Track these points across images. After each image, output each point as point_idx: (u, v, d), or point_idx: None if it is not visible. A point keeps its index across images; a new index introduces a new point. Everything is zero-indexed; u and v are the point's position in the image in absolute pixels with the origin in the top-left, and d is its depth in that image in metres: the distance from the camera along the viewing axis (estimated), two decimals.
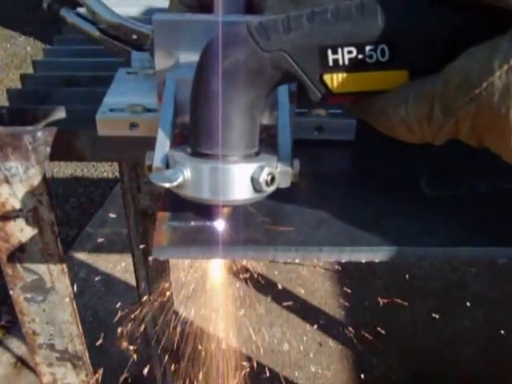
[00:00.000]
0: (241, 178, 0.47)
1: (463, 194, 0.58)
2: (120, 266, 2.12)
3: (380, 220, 0.53)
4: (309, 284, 1.95)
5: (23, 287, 0.81)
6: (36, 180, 0.73)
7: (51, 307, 0.83)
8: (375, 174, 0.61)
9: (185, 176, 0.47)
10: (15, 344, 1.89)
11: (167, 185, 0.46)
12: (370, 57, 0.44)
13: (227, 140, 0.46)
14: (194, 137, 0.48)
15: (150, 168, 0.49)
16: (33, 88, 0.80)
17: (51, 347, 0.88)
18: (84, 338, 0.90)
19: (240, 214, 0.52)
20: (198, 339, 1.37)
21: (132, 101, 0.65)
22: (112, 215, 2.30)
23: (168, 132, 0.51)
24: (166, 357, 1.49)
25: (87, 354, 0.91)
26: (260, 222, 0.52)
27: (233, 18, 0.56)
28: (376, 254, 0.50)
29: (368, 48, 0.44)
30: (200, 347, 1.34)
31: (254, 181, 0.47)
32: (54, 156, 0.70)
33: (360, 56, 0.44)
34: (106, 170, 2.69)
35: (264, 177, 0.47)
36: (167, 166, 0.49)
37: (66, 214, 2.44)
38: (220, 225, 0.51)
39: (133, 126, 0.63)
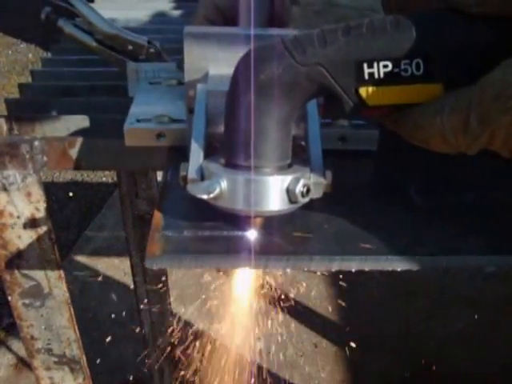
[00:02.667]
0: (277, 190, 0.48)
1: (452, 202, 0.59)
2: (119, 269, 2.13)
3: (370, 229, 0.54)
4: (304, 286, 1.96)
5: (21, 293, 0.82)
6: (33, 188, 0.74)
7: (49, 312, 0.84)
8: (366, 183, 0.62)
9: (221, 187, 0.48)
10: (16, 346, 1.90)
11: (205, 196, 0.47)
12: (405, 70, 0.45)
13: (263, 152, 0.47)
14: (229, 148, 0.49)
15: (184, 179, 0.50)
16: (31, 97, 0.82)
17: (49, 352, 0.88)
18: (81, 342, 0.91)
19: (236, 224, 0.53)
20: (194, 341, 1.38)
21: (158, 111, 0.65)
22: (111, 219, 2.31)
23: (201, 143, 0.52)
24: (164, 358, 1.50)
25: (85, 358, 0.92)
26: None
27: (263, 31, 0.58)
28: (366, 263, 0.51)
29: (403, 62, 0.45)
30: (195, 349, 1.34)
31: (289, 192, 0.48)
32: (51, 165, 0.71)
33: (395, 70, 0.45)
34: (106, 174, 2.70)
35: (300, 188, 0.48)
36: (202, 178, 0.49)
37: (66, 218, 2.45)
38: (214, 234, 0.52)
39: (160, 136, 0.63)
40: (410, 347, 1.83)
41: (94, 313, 1.98)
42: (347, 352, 1.81)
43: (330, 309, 1.94)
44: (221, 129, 0.55)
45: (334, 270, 0.52)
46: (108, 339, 1.75)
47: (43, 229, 0.77)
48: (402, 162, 0.65)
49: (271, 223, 0.52)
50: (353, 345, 1.70)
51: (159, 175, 0.91)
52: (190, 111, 0.58)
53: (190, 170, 0.50)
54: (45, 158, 0.71)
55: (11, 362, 1.87)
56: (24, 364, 1.84)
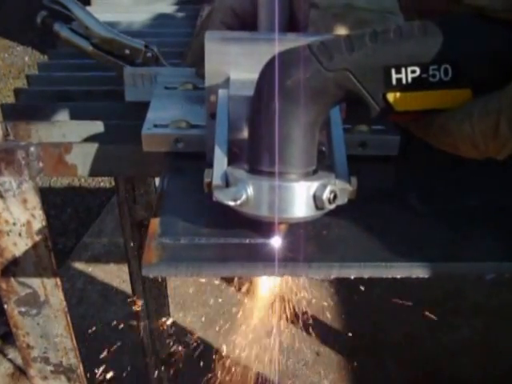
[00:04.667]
0: (303, 196, 0.47)
1: (453, 208, 0.58)
2: (117, 276, 2.12)
3: (369, 235, 0.53)
4: (306, 293, 1.94)
5: (17, 301, 0.81)
6: (29, 194, 0.73)
7: (45, 321, 0.83)
8: (365, 188, 0.62)
9: (248, 194, 0.47)
10: (13, 354, 1.89)
11: (231, 203, 0.47)
12: (434, 76, 0.45)
13: (289, 158, 0.47)
14: (255, 154, 0.48)
15: (209, 185, 0.49)
16: (26, 103, 0.81)
17: (46, 360, 0.88)
18: (78, 351, 0.90)
19: (233, 232, 0.52)
20: (193, 349, 1.37)
21: (175, 116, 0.64)
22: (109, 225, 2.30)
23: (224, 149, 0.51)
24: (162, 367, 1.49)
25: (82, 367, 0.91)
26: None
27: (286, 36, 0.57)
28: (365, 271, 0.50)
29: (431, 67, 0.45)
30: (195, 357, 1.34)
31: (316, 198, 0.48)
32: (47, 171, 0.71)
33: (423, 75, 0.45)
34: (104, 180, 2.68)
35: (327, 194, 0.48)
36: (226, 184, 0.49)
37: (63, 224, 2.43)
38: (211, 242, 0.51)
39: (177, 141, 0.62)
40: (415, 356, 1.82)
41: (91, 321, 1.96)
42: (350, 361, 1.80)
43: (332, 316, 1.93)
44: (241, 134, 0.55)
45: (332, 277, 0.52)
46: (106, 348, 1.74)
47: (39, 236, 0.76)
48: (403, 167, 0.64)
49: (269, 230, 0.51)
50: (356, 353, 1.69)
51: (158, 180, 0.90)
52: (212, 116, 0.57)
53: (215, 176, 0.49)
54: (41, 164, 0.70)
55: (8, 371, 1.86)
56: (21, 373, 1.83)
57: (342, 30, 0.61)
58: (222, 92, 0.56)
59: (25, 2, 3.78)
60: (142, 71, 0.74)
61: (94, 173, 0.71)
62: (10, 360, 1.90)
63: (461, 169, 0.62)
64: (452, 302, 1.99)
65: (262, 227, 0.51)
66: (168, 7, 1.17)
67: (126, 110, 0.76)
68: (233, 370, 1.27)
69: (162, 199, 0.57)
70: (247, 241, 0.51)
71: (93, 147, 0.70)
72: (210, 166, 0.51)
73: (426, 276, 0.51)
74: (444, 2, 0.48)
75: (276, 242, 0.51)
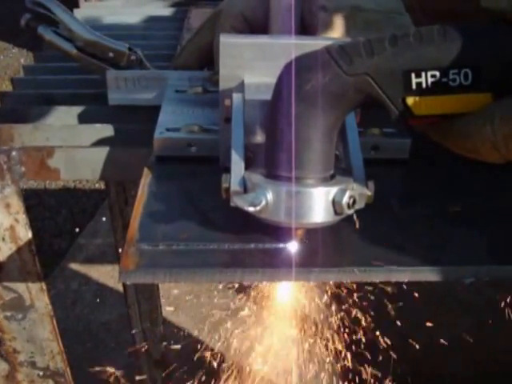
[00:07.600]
0: (323, 201, 0.47)
1: (434, 213, 0.57)
2: (112, 277, 2.12)
3: (350, 239, 0.53)
4: (300, 296, 1.94)
5: (2, 305, 0.81)
6: (12, 199, 0.73)
7: (31, 325, 0.83)
8: None
9: (267, 199, 0.47)
10: None
11: (251, 209, 0.47)
12: (454, 80, 0.45)
13: (308, 163, 0.47)
14: (273, 159, 0.48)
15: (226, 191, 0.49)
16: (11, 106, 0.80)
17: (32, 365, 0.87)
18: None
19: (211, 237, 0.51)
20: (190, 351, 1.37)
21: (186, 120, 0.64)
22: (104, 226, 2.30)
23: (241, 154, 0.51)
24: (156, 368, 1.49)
25: (69, 371, 0.91)
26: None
27: (301, 40, 0.57)
28: (343, 275, 0.50)
29: (451, 72, 0.45)
30: (192, 360, 1.33)
31: (335, 204, 0.47)
32: (29, 175, 0.70)
33: (443, 79, 0.45)
34: (99, 181, 2.68)
35: (346, 200, 0.47)
36: (244, 189, 0.49)
37: (58, 226, 2.43)
38: (189, 248, 0.51)
39: (189, 145, 0.62)
40: (407, 355, 1.81)
41: (86, 322, 1.96)
42: (343, 360, 1.79)
43: (326, 318, 1.92)
44: (255, 139, 0.55)
45: (312, 282, 0.51)
46: (101, 349, 1.74)
47: (23, 240, 0.76)
48: (384, 172, 0.64)
49: (247, 237, 0.51)
50: (348, 353, 1.68)
51: None
52: (226, 120, 0.57)
53: (233, 181, 0.49)
54: (23, 169, 0.70)
55: (3, 373, 1.85)
56: None
57: (350, 32, 0.62)
58: (236, 96, 0.56)
59: (21, 3, 3.78)
60: (125, 74, 0.74)
61: (76, 177, 0.71)
62: (6, 362, 1.90)
63: (443, 172, 0.62)
64: (442, 301, 1.99)
65: (243, 232, 0.51)
66: (156, 9, 1.16)
67: (111, 114, 0.76)
68: (226, 371, 1.27)
69: (140, 204, 0.57)
70: (226, 246, 0.51)
71: (75, 151, 0.70)
72: (225, 170, 0.50)
73: (405, 280, 0.50)
74: (457, 3, 0.47)
75: (257, 247, 0.51)
